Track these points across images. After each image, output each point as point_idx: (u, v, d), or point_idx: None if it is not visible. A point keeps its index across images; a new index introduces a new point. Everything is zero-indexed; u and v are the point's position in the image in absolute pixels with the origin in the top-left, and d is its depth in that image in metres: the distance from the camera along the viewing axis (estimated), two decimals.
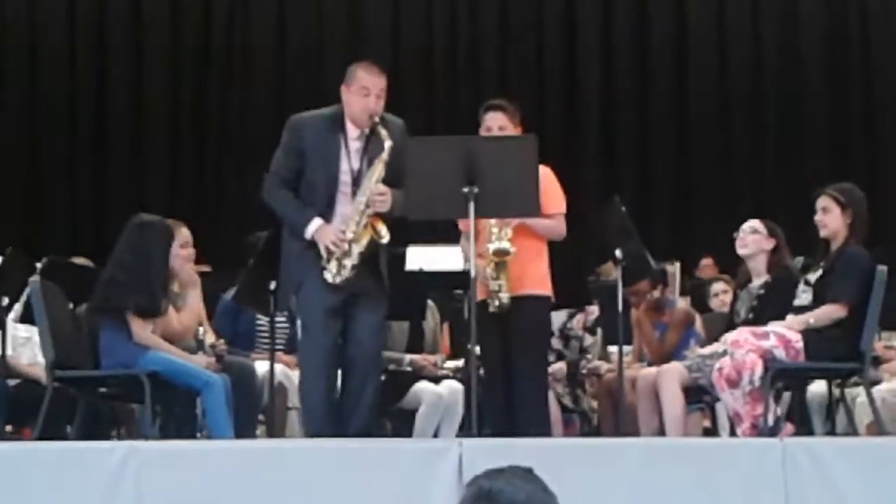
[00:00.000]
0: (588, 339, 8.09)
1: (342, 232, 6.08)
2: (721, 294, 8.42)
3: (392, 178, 6.12)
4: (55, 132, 12.32)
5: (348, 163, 6.20)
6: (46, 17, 12.43)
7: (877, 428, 6.73)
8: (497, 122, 6.50)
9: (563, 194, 6.55)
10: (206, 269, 8.74)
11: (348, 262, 6.07)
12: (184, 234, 6.92)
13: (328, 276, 6.07)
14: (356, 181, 6.17)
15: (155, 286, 6.63)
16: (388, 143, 6.09)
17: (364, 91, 6.16)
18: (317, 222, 6.12)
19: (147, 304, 6.59)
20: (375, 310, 6.23)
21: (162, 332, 6.66)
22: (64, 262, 8.23)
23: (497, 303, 6.33)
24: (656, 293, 7.71)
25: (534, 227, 6.39)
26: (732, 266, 8.41)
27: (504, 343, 6.40)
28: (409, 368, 7.62)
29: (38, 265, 7.67)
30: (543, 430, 6.44)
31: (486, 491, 2.47)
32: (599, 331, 8.10)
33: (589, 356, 8.01)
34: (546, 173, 6.36)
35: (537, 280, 6.46)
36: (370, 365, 6.22)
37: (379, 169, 6.11)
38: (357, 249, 6.08)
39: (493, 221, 6.26)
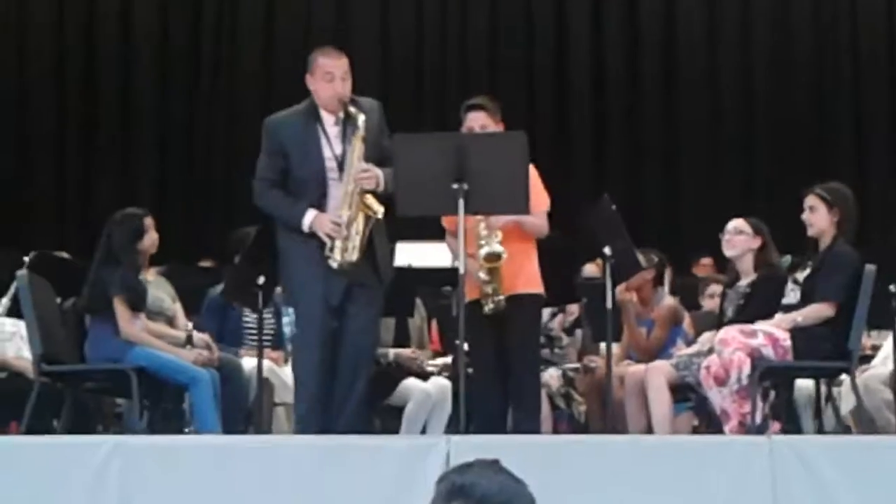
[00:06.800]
0: (565, 340, 8.04)
1: (338, 216, 6.04)
2: (717, 296, 8.37)
3: (377, 156, 6.09)
4: (44, 127, 12.27)
5: (331, 149, 6.17)
6: (34, 10, 12.39)
7: (859, 417, 6.77)
8: (478, 122, 6.46)
9: (547, 192, 6.53)
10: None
11: (350, 244, 6.03)
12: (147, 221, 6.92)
13: (333, 263, 6.02)
14: (341, 165, 6.14)
15: (133, 278, 6.66)
16: (361, 118, 6.07)
17: (328, 76, 6.13)
18: (311, 213, 6.08)
19: (131, 294, 6.59)
20: (370, 304, 6.19)
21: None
22: (52, 256, 8.22)
23: (492, 305, 6.30)
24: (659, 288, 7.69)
25: (522, 225, 6.36)
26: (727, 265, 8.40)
27: (498, 341, 6.37)
28: (392, 363, 7.56)
29: (26, 259, 7.65)
30: (536, 427, 6.43)
31: (459, 486, 2.43)
32: (578, 332, 8.05)
33: (564, 357, 7.93)
34: (530, 171, 6.33)
35: (530, 279, 6.43)
36: (361, 361, 6.17)
37: (358, 146, 6.08)
38: (355, 230, 6.03)
39: (482, 224, 6.23)
